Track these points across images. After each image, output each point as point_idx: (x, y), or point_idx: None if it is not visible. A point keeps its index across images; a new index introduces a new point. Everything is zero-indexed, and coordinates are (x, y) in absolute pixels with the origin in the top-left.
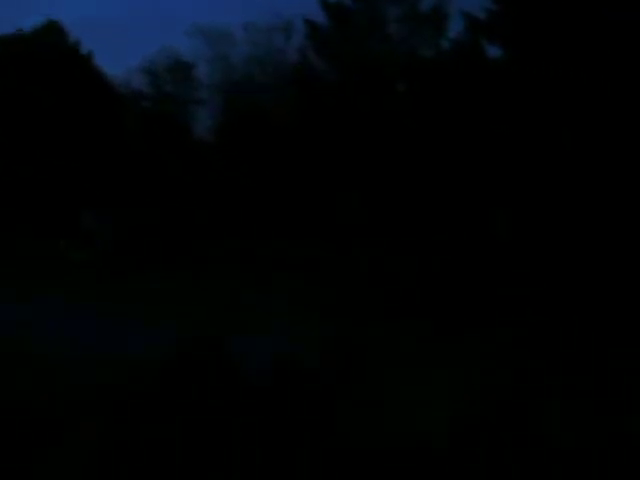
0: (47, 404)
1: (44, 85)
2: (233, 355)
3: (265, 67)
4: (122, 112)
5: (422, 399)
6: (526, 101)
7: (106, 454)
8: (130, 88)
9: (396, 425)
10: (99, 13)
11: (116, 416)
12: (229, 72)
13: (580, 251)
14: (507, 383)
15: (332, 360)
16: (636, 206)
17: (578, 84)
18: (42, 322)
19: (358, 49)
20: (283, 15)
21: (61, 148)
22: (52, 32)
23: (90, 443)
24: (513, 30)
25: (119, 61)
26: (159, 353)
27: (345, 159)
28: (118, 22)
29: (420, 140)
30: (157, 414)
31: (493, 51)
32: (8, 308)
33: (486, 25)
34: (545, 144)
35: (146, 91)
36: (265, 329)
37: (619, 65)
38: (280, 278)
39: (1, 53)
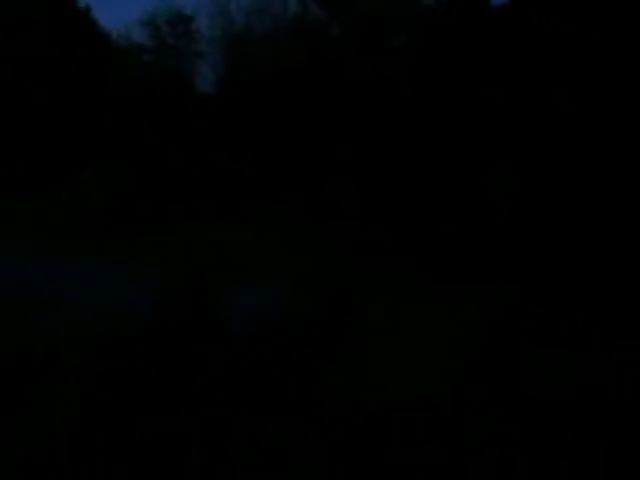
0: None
1: (41, 39)
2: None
3: (265, 18)
4: (123, 65)
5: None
6: (530, 52)
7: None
8: (131, 41)
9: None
10: None
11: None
12: (230, 24)
13: (579, 209)
14: (501, 324)
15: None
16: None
17: (584, 33)
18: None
19: None
20: None
21: (61, 102)
22: None
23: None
24: None
25: (120, 15)
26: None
27: (343, 110)
28: None
29: (420, 94)
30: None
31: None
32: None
33: None
34: (548, 98)
35: (147, 44)
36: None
37: (622, 15)
38: (278, 225)
39: (1, 9)
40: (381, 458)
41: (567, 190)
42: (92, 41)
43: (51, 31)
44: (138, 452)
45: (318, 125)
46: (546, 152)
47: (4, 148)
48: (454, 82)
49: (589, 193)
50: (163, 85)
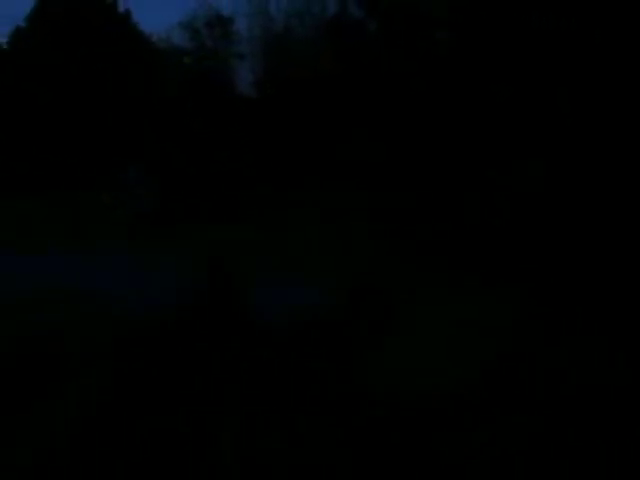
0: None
1: (83, 43)
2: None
3: (304, 19)
4: (163, 68)
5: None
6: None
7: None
8: (170, 44)
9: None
10: None
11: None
12: (268, 26)
13: (612, 209)
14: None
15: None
16: None
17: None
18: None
19: None
20: None
21: (105, 104)
22: None
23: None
24: None
25: (160, 18)
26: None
27: (382, 108)
28: None
29: (458, 90)
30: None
31: None
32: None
33: None
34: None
35: (186, 47)
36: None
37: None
38: (312, 223)
39: (40, 11)
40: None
41: (603, 187)
42: (133, 44)
43: (93, 34)
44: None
45: (354, 125)
46: (577, 150)
47: (48, 145)
48: (491, 78)
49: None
50: (203, 87)
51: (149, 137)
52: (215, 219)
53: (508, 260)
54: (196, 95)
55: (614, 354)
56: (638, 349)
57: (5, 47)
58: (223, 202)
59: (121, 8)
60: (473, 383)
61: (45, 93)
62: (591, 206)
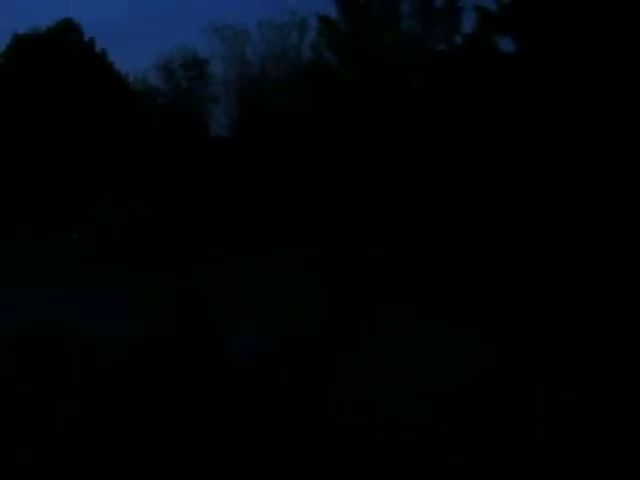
0: None
1: (58, 82)
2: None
3: (280, 64)
4: (138, 107)
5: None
6: (539, 94)
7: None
8: (146, 85)
9: None
10: (114, 13)
11: None
12: (244, 69)
13: (599, 242)
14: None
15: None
16: None
17: (591, 76)
18: None
19: (371, 45)
20: (298, 12)
21: (77, 143)
22: (67, 31)
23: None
24: (524, 23)
25: (136, 60)
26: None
27: (356, 152)
28: (133, 21)
29: (433, 134)
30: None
31: (506, 44)
32: None
33: (498, 18)
34: (559, 136)
35: (162, 88)
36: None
37: (631, 60)
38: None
39: (18, 51)
40: None
41: (585, 222)
42: (108, 82)
43: (68, 72)
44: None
45: (332, 167)
46: (556, 187)
47: (27, 184)
48: (468, 123)
49: (611, 229)
50: (176, 127)
51: (123, 174)
52: (175, 259)
53: (483, 300)
54: (169, 134)
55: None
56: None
57: None
58: (183, 244)
59: (97, 48)
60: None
61: (17, 128)
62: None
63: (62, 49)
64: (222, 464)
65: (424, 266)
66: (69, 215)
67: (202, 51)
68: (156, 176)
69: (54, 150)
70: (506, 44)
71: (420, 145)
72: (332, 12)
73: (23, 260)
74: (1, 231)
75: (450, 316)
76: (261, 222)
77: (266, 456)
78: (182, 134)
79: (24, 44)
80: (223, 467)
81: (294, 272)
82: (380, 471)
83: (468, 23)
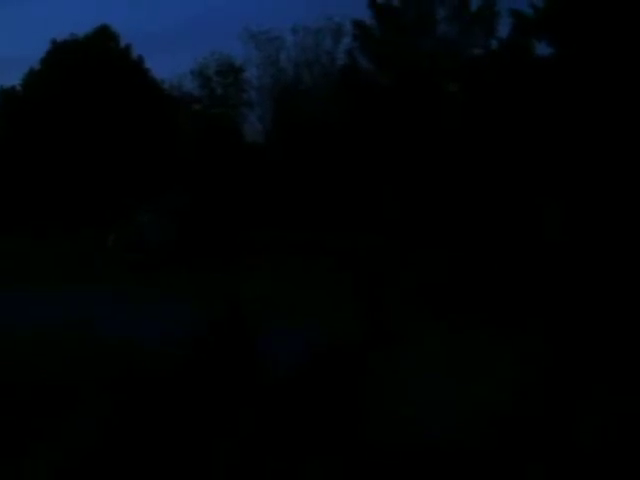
0: None
1: (95, 88)
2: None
3: (314, 70)
4: (174, 114)
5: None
6: (576, 99)
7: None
8: (182, 91)
9: None
10: (152, 18)
11: None
12: (278, 75)
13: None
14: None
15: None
16: None
17: (628, 80)
18: None
19: (406, 50)
20: (333, 18)
21: (114, 148)
22: (104, 37)
23: None
24: (561, 27)
25: (172, 66)
26: None
27: (391, 159)
28: (171, 28)
29: (469, 140)
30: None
31: (543, 49)
32: None
33: (535, 23)
34: (597, 143)
35: (197, 94)
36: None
37: None
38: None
39: (56, 58)
40: None
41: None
42: (145, 89)
43: (106, 79)
44: None
45: (369, 176)
46: (594, 197)
47: (60, 186)
48: (504, 129)
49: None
50: (211, 133)
51: (160, 181)
52: (218, 262)
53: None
54: (205, 141)
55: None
56: None
57: (19, 89)
58: (225, 246)
59: (134, 54)
60: None
61: (57, 135)
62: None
63: (99, 56)
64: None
65: (463, 276)
66: (107, 219)
67: (237, 57)
68: (191, 181)
69: (91, 155)
70: (542, 48)
71: (456, 153)
72: (367, 17)
73: (63, 264)
74: (42, 235)
75: (490, 325)
76: (296, 227)
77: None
78: (217, 140)
79: (62, 51)
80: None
81: (327, 276)
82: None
83: (504, 27)
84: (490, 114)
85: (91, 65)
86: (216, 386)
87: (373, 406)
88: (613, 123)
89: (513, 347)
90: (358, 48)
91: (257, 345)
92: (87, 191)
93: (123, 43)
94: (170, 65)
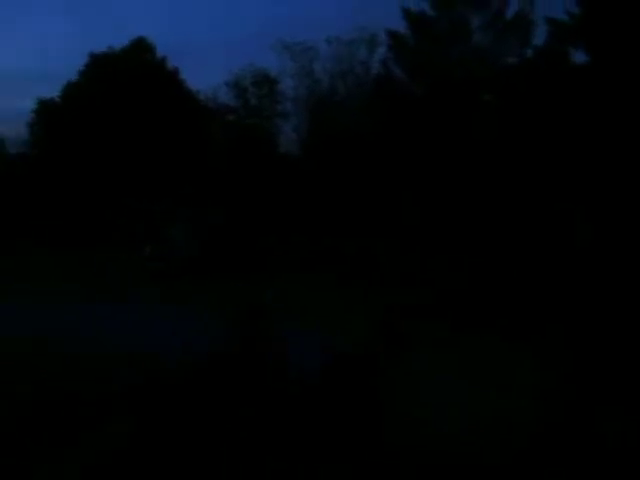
0: None
1: (131, 100)
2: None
3: (348, 80)
4: (209, 124)
5: None
6: (613, 107)
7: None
8: (217, 102)
9: None
10: (187, 30)
11: None
12: (313, 86)
13: None
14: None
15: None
16: None
17: None
18: None
19: (441, 59)
20: (366, 28)
21: (150, 159)
22: (141, 49)
23: None
24: (598, 34)
25: (207, 77)
26: None
27: (423, 168)
28: (206, 41)
29: (503, 148)
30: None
31: (579, 57)
32: None
33: (571, 30)
34: (635, 151)
35: (232, 105)
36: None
37: None
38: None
39: (94, 70)
40: None
41: None
42: (180, 100)
43: (142, 90)
44: None
45: (400, 184)
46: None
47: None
48: (540, 138)
49: None
50: (245, 143)
51: (193, 191)
52: (245, 272)
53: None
54: (238, 151)
55: None
56: None
57: (57, 100)
58: (255, 256)
59: (169, 66)
60: None
61: (94, 146)
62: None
63: (135, 68)
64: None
65: (486, 283)
66: (141, 229)
67: (272, 68)
68: (224, 192)
69: (127, 166)
70: (579, 56)
71: (489, 162)
72: (401, 27)
73: (97, 274)
74: (75, 244)
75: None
76: (326, 235)
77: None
78: (250, 150)
79: (99, 63)
80: None
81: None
82: None
83: (539, 36)
84: (525, 121)
85: (128, 77)
86: (243, 392)
87: (391, 411)
88: None
89: (537, 354)
90: (392, 58)
91: (281, 352)
92: (121, 201)
93: (159, 55)
94: (203, 76)
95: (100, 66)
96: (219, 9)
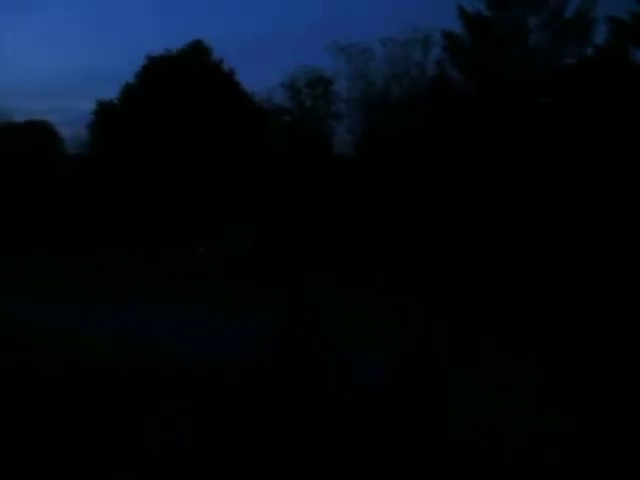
0: None
1: (188, 101)
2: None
3: (403, 82)
4: (264, 125)
5: None
6: None
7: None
8: (271, 103)
9: None
10: (243, 32)
11: None
12: (367, 87)
13: None
14: None
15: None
16: None
17: None
18: None
19: (497, 60)
20: (421, 29)
21: (206, 161)
22: (197, 52)
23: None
24: None
25: (262, 78)
26: None
27: (479, 172)
28: (260, 41)
29: (562, 153)
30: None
31: None
32: None
33: (632, 29)
34: None
35: (287, 106)
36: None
37: None
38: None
39: (150, 72)
40: None
41: None
42: (236, 101)
43: (199, 91)
44: None
45: (458, 189)
46: None
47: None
48: (600, 142)
49: None
50: (300, 145)
51: (248, 192)
52: (296, 275)
53: None
54: (294, 152)
55: None
56: None
57: (115, 102)
58: (307, 258)
59: (225, 68)
60: None
61: (151, 147)
62: None
63: (192, 70)
64: None
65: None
66: (197, 230)
67: (326, 69)
68: (278, 193)
69: (184, 167)
70: None
71: (549, 166)
72: (457, 27)
73: (157, 274)
74: (133, 245)
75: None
76: (378, 238)
77: None
78: (305, 151)
79: (156, 65)
80: None
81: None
82: None
83: (600, 35)
84: (583, 123)
85: (185, 79)
86: (300, 400)
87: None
88: None
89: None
90: (448, 59)
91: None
92: (179, 202)
93: (215, 57)
94: (257, 76)
95: (157, 68)
96: (272, 9)
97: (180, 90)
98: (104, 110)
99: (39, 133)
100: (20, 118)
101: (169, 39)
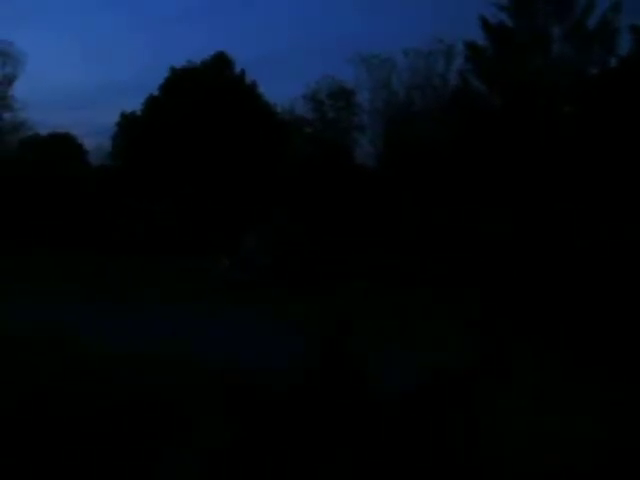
0: None
1: (210, 113)
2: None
3: (426, 92)
4: (286, 137)
5: None
6: None
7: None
8: (294, 115)
9: None
10: (265, 44)
11: None
12: (390, 98)
13: None
14: None
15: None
16: None
17: None
18: None
19: (520, 70)
20: (444, 40)
21: (228, 171)
22: (220, 64)
23: None
24: None
25: (285, 90)
26: None
27: (504, 182)
28: (283, 54)
29: (585, 161)
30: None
31: None
32: None
33: None
34: None
35: (309, 117)
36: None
37: None
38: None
39: (174, 84)
40: None
41: None
42: (258, 113)
43: (221, 103)
44: None
45: (481, 199)
46: None
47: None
48: (624, 152)
49: None
50: (323, 156)
51: (270, 203)
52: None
53: None
54: (316, 163)
55: None
56: None
57: (139, 114)
58: (329, 268)
59: (248, 80)
60: None
61: (174, 158)
62: None
63: (215, 82)
64: None
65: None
66: (220, 240)
67: (349, 81)
68: (300, 203)
69: (206, 177)
70: None
71: (573, 175)
72: (479, 38)
73: (178, 285)
74: (157, 257)
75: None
76: (403, 251)
77: None
78: (327, 162)
79: (179, 77)
80: None
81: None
82: None
83: (624, 45)
84: (607, 132)
85: (206, 90)
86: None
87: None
88: None
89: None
90: (470, 69)
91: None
92: (201, 213)
93: (238, 69)
94: (280, 89)
95: (181, 80)
96: (296, 22)
97: (203, 102)
98: (127, 122)
99: (63, 145)
100: (44, 131)
101: (190, 52)
